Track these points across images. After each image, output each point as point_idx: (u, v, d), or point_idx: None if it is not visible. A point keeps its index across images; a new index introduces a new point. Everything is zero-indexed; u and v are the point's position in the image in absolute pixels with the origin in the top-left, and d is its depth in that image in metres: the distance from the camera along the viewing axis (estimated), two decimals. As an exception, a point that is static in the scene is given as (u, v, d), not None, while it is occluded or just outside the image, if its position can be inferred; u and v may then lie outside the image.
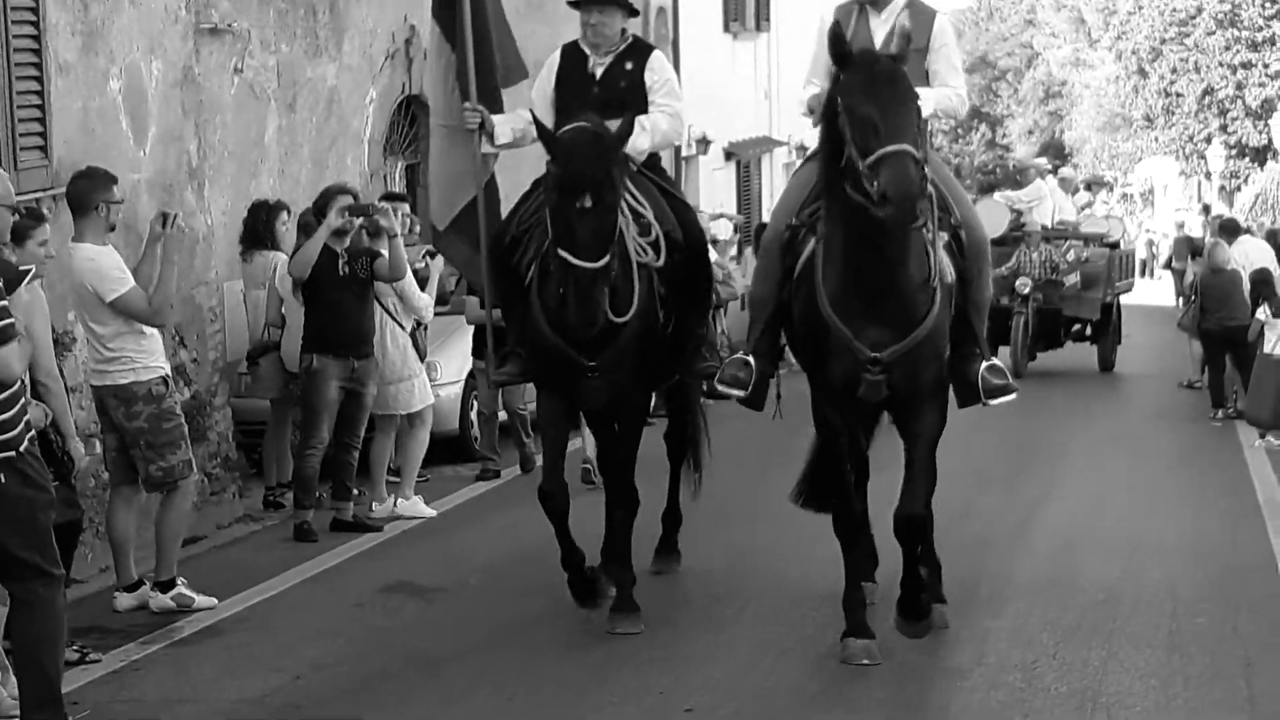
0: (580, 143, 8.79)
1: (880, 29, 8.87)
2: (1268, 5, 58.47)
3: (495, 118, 10.13)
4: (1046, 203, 22.75)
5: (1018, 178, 26.25)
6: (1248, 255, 19.44)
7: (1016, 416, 18.30)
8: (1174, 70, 60.39)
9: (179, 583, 9.88)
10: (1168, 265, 38.59)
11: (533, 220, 9.47)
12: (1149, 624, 9.76)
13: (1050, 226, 22.37)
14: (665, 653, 9.07)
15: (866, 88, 7.88)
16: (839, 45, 8.19)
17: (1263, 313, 15.85)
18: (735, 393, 9.05)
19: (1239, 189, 53.83)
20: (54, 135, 11.26)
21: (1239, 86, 58.81)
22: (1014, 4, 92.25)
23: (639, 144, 9.54)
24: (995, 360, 9.18)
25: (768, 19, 30.12)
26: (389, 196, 14.43)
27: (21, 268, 7.82)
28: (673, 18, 26.08)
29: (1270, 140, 49.04)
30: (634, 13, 10.09)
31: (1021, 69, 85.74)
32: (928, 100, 8.68)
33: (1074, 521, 12.92)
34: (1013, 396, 9.05)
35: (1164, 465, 16.05)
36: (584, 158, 8.67)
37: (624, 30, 10.03)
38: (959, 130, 76.67)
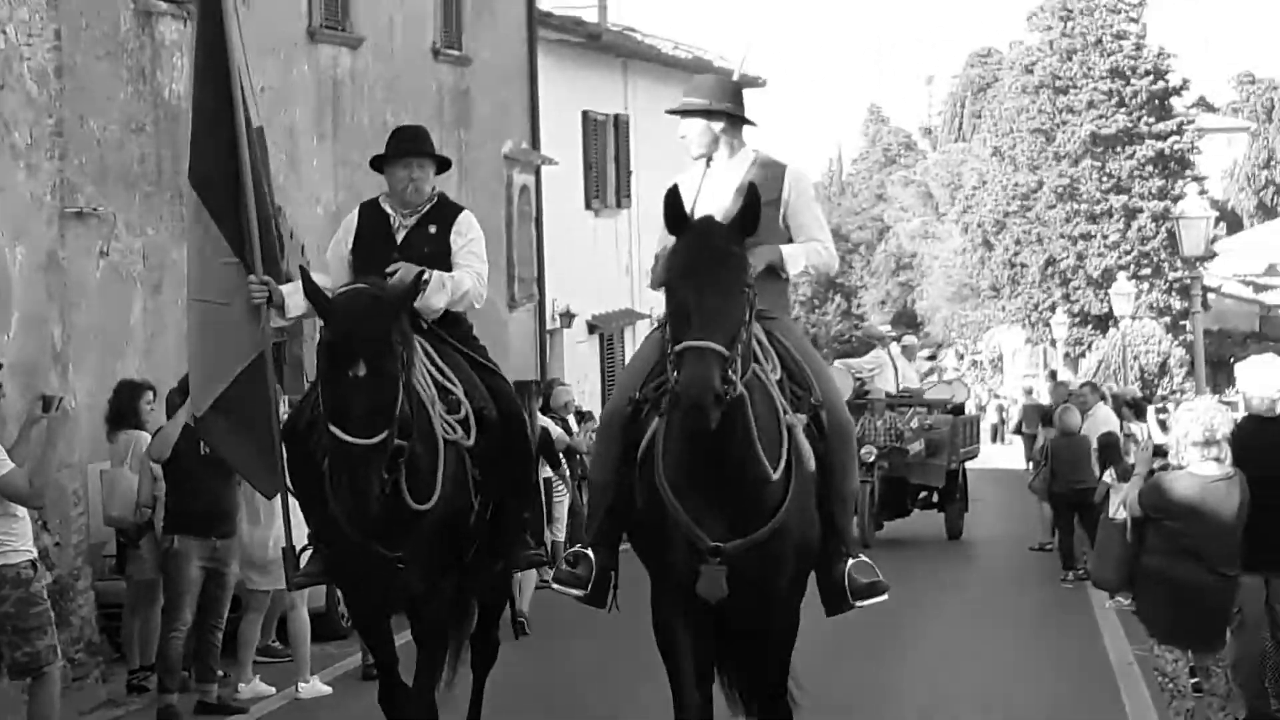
0: (356, 305, 7.59)
1: (727, 191, 7.76)
2: (1105, 180, 59.95)
3: (283, 288, 8.72)
4: (887, 370, 22.56)
5: (859, 346, 26.21)
6: (1095, 420, 19.73)
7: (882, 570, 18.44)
8: (1018, 242, 61.63)
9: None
10: (1018, 430, 39.06)
11: None
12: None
13: (894, 393, 22.13)
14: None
15: (689, 267, 6.89)
16: (675, 207, 7.18)
17: (1109, 476, 16.09)
18: (573, 592, 7.76)
19: (1083, 355, 54.76)
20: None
21: (1080, 257, 60.09)
22: (865, 179, 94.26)
23: (433, 302, 8.54)
24: (863, 557, 7.99)
25: (628, 195, 30.36)
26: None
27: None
28: (535, 195, 26.29)
29: (1110, 308, 49.93)
30: (446, 166, 9.23)
31: (873, 242, 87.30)
32: (797, 257, 7.92)
33: (930, 687, 12.94)
34: (884, 597, 7.92)
35: (1017, 628, 16.15)
36: (358, 321, 7.44)
37: (433, 188, 9.00)
38: (815, 301, 77.67)
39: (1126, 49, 61.13)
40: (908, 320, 72.41)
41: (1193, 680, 10.20)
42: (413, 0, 21.39)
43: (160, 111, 15.57)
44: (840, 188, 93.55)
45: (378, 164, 8.96)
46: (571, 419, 18.08)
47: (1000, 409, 51.35)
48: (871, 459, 20.48)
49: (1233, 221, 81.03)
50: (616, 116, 29.62)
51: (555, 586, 7.93)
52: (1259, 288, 74.74)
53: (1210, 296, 55.00)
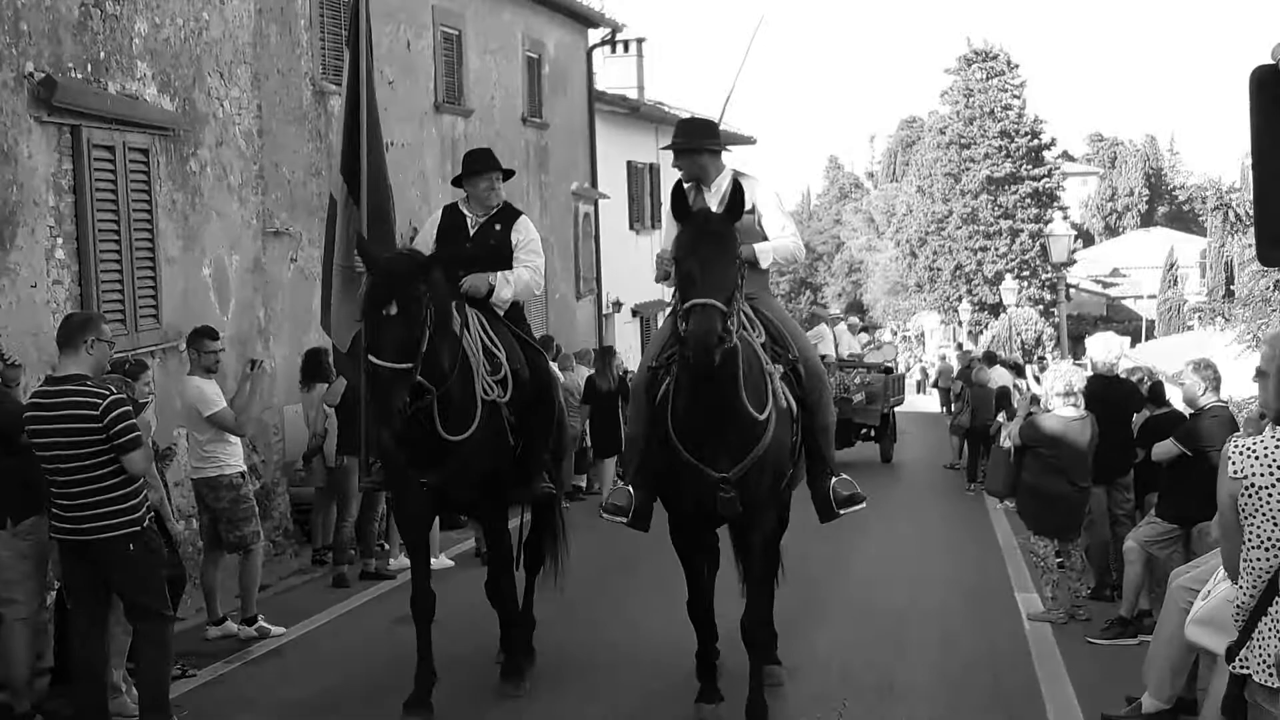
0: (395, 263, 7.19)
1: (713, 201, 7.40)
2: (996, 209, 59.93)
3: None
4: (827, 341, 21.83)
5: (807, 324, 25.59)
6: (994, 376, 19.72)
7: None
8: (935, 253, 61.48)
9: (259, 618, 9.77)
10: (934, 384, 38.99)
11: None
12: (927, 632, 9.83)
13: (838, 359, 21.78)
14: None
15: (693, 243, 6.51)
16: (680, 201, 6.76)
17: (1001, 416, 16.15)
18: (619, 519, 7.22)
19: (981, 333, 54.56)
20: (163, 306, 11.22)
21: (979, 263, 59.97)
22: (826, 208, 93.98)
23: (503, 294, 8.18)
24: (843, 475, 7.65)
25: (659, 220, 30.31)
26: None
27: (140, 400, 7.80)
28: (594, 220, 26.36)
29: (1001, 299, 49.77)
30: (510, 175, 8.63)
31: (832, 252, 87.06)
32: (767, 252, 7.46)
33: (873, 563, 12.98)
34: (862, 505, 7.59)
35: (935, 523, 16.17)
36: (394, 274, 6.99)
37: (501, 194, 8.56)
38: (791, 294, 77.48)
39: (1011, 117, 60.91)
40: (858, 307, 72.19)
41: (1057, 560, 10.26)
42: (508, 83, 21.39)
43: (331, 160, 15.54)
44: (809, 214, 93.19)
45: (458, 181, 8.59)
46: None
47: (923, 370, 51.20)
48: None
49: (1087, 238, 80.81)
50: (651, 165, 29.57)
51: (604, 515, 7.30)
52: (1106, 284, 74.56)
53: (1071, 291, 54.81)
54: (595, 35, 25.91)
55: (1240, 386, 14.17)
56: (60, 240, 9.85)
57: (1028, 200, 60.26)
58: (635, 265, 28.61)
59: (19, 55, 9.39)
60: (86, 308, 9.80)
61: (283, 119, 14.48)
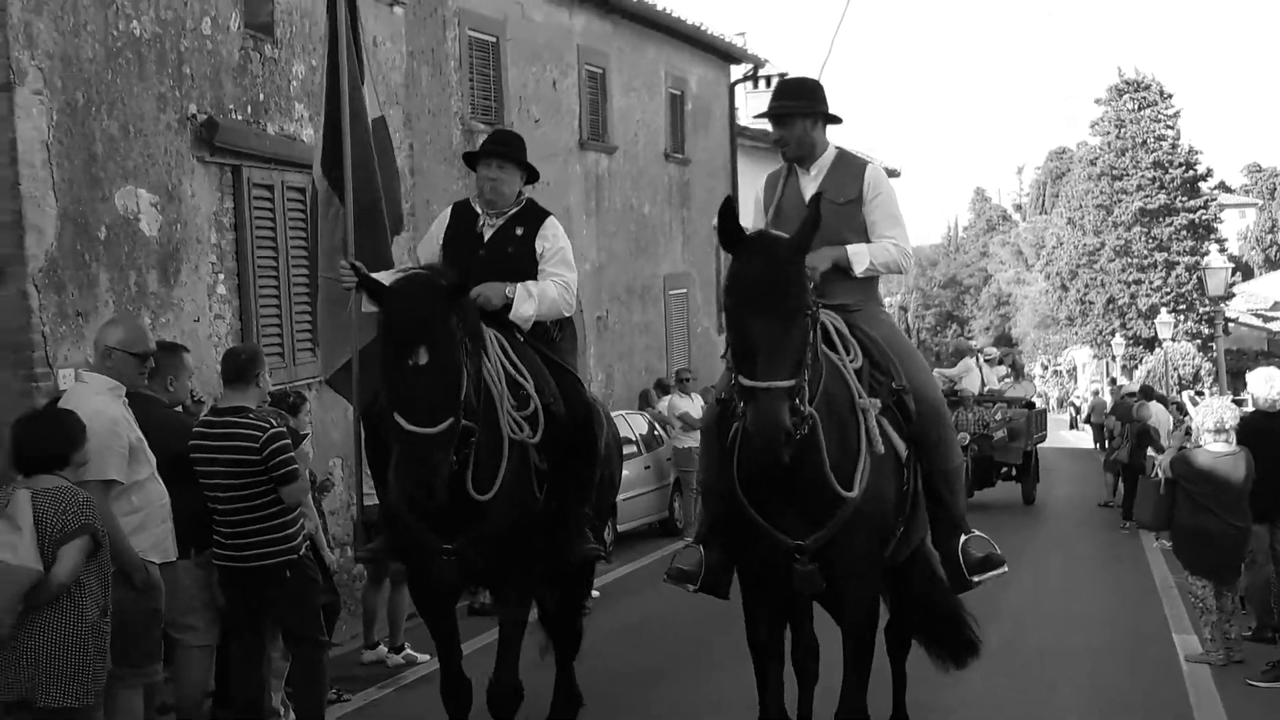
0: (413, 291, 5.58)
1: (810, 187, 6.01)
2: (1150, 241, 58.74)
3: (381, 275, 6.28)
4: (974, 374, 21.55)
5: (953, 357, 25.00)
6: (1151, 412, 19.32)
7: (977, 525, 18.19)
8: (1086, 286, 60.34)
9: (405, 645, 9.93)
10: (1087, 420, 38.19)
11: None
12: (1078, 673, 9.64)
13: (981, 393, 21.19)
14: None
15: (750, 294, 5.03)
16: (729, 222, 5.18)
17: (1150, 451, 15.89)
18: (687, 586, 5.86)
19: (1135, 368, 53.31)
20: (321, 342, 11.53)
21: (1133, 297, 58.73)
22: (973, 241, 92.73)
23: (523, 311, 6.52)
24: (976, 532, 6.15)
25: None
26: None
27: (300, 432, 8.03)
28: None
29: (1156, 333, 48.58)
30: (534, 177, 6.97)
31: (979, 285, 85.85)
32: (862, 255, 5.97)
33: (1023, 601, 12.75)
34: (1002, 570, 6.12)
35: (1087, 561, 15.83)
36: (416, 307, 5.47)
37: (520, 193, 6.86)
38: (937, 327, 76.57)
39: (1165, 147, 59.59)
40: (1005, 341, 71.03)
41: (1216, 601, 10.02)
42: (650, 120, 21.59)
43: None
44: (955, 246, 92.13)
45: (471, 161, 6.97)
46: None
47: (1074, 406, 50.14)
48: (965, 443, 19.89)
49: (1246, 271, 78.58)
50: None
51: (668, 580, 6.01)
52: (1266, 318, 72.25)
53: (1230, 325, 53.24)
54: (737, 71, 26.03)
55: None
56: (222, 276, 10.23)
57: (1183, 232, 58.81)
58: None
59: (182, 98, 9.81)
60: (247, 341, 10.13)
61: (434, 158, 14.81)
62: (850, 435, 5.47)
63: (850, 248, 5.98)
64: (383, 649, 9.91)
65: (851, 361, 5.65)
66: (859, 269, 6.00)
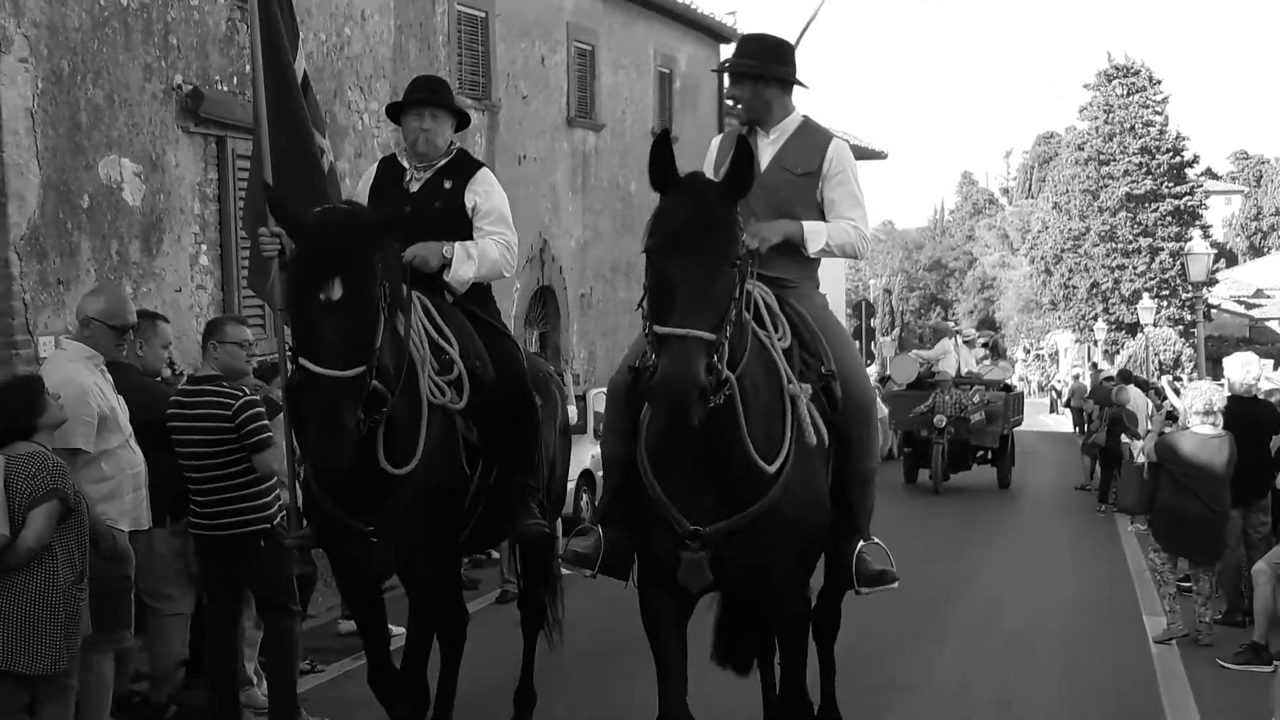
0: (331, 222, 4.89)
1: (768, 151, 5.49)
2: (1135, 227, 58.81)
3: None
4: (951, 355, 21.42)
5: (933, 339, 24.92)
6: (1129, 396, 19.34)
7: (952, 508, 18.28)
8: (1070, 270, 60.44)
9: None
10: (1067, 404, 38.32)
11: None
12: (1050, 653, 9.67)
13: (959, 375, 21.03)
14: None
15: (674, 234, 4.45)
16: (662, 158, 4.61)
17: (1125, 435, 15.95)
18: (584, 571, 5.14)
19: (1117, 352, 53.44)
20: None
21: (1116, 282, 58.83)
22: (959, 224, 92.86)
23: (462, 273, 5.91)
24: (876, 541, 5.43)
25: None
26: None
27: (279, 402, 7.99)
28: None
29: (1139, 319, 48.69)
30: (465, 122, 6.27)
31: (964, 269, 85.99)
32: (819, 235, 5.42)
33: (997, 582, 12.82)
34: (893, 586, 5.37)
35: (1062, 543, 15.87)
36: (334, 238, 4.78)
37: (452, 143, 6.17)
38: (921, 310, 76.67)
39: (1152, 133, 59.60)
40: (989, 325, 71.23)
41: (1184, 584, 10.08)
42: (638, 98, 21.51)
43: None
44: (941, 230, 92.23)
45: (394, 114, 6.22)
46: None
47: (1055, 390, 50.31)
48: (942, 425, 19.81)
49: (1230, 258, 78.75)
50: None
51: (564, 568, 5.37)
52: (1249, 305, 72.47)
53: (1211, 311, 53.42)
54: (727, 50, 25.89)
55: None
56: (205, 247, 10.21)
57: (1168, 218, 58.88)
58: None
59: (168, 68, 9.77)
60: (228, 312, 10.10)
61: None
62: (775, 422, 4.85)
63: (807, 225, 5.44)
64: (357, 622, 9.90)
65: (780, 340, 5.05)
66: (813, 249, 5.46)
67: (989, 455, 20.91)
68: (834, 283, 32.19)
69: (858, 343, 34.38)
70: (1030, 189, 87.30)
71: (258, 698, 7.73)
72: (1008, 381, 22.54)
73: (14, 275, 8.43)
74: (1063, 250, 60.89)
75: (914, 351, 24.27)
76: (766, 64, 5.54)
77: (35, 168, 8.61)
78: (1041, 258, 63.30)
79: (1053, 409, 45.95)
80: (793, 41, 5.89)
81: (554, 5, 18.15)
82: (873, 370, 24.83)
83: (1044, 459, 25.52)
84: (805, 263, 5.55)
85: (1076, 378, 39.86)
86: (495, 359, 5.92)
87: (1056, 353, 67.67)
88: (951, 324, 35.42)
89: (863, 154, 33.28)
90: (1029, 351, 69.27)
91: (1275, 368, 14.81)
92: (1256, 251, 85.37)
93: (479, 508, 5.82)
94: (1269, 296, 73.62)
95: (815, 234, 5.44)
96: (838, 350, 5.40)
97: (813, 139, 5.55)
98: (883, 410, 19.90)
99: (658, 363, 4.33)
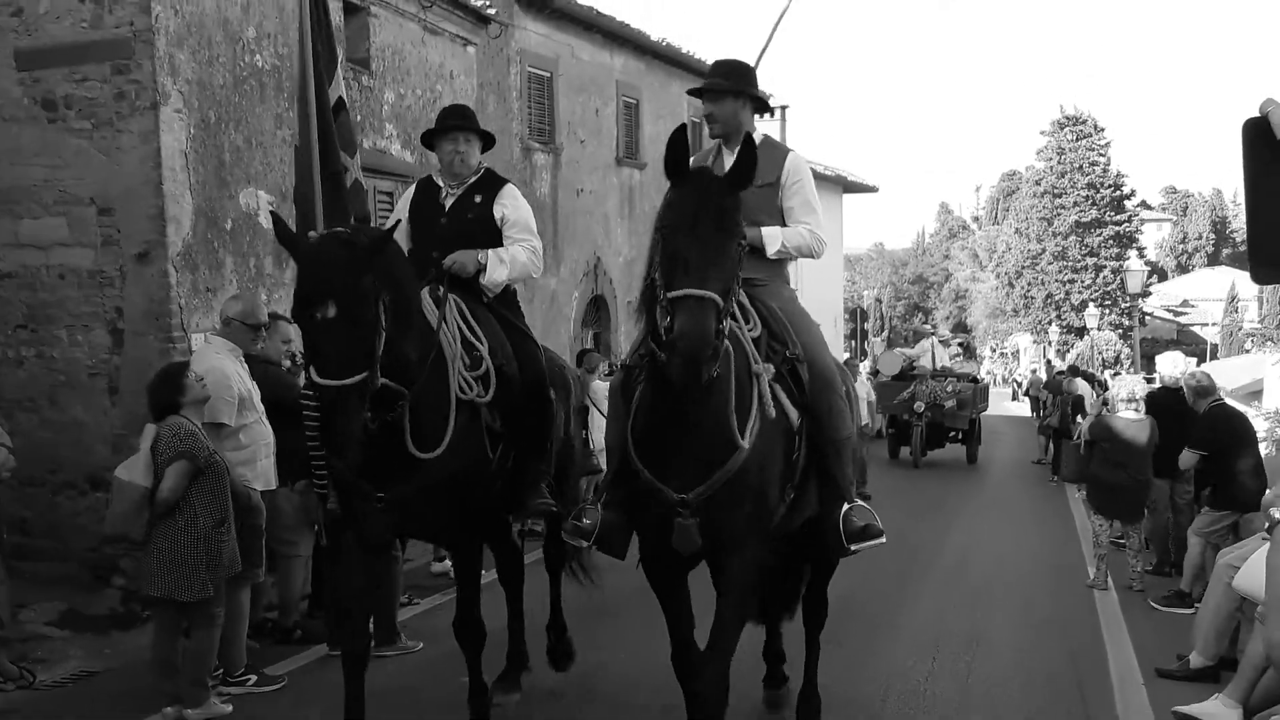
0: (324, 249, 4.44)
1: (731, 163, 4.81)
2: (1083, 248, 58.35)
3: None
4: (929, 354, 21.23)
5: (914, 340, 24.95)
6: (1077, 387, 19.19)
7: (929, 480, 18.15)
8: (1029, 284, 60.02)
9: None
10: (1026, 393, 37.95)
11: None
12: (1010, 597, 9.60)
13: (935, 369, 20.96)
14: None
15: (689, 214, 4.14)
16: (679, 153, 4.19)
17: (1079, 418, 15.83)
18: (580, 543, 4.77)
19: (1068, 351, 52.96)
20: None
21: (1067, 294, 58.37)
22: (938, 246, 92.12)
23: (496, 276, 5.68)
24: (860, 503, 5.04)
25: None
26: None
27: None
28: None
29: (1085, 324, 48.24)
30: (490, 143, 5.98)
31: (942, 282, 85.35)
32: (776, 237, 5.10)
33: (966, 539, 12.73)
34: (880, 541, 4.98)
35: (1022, 508, 15.75)
36: (326, 265, 4.37)
37: (480, 164, 5.96)
38: (906, 315, 76.16)
39: (1097, 171, 59.10)
40: (961, 328, 70.64)
41: (1119, 540, 10.01)
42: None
43: (534, 205, 15.91)
44: (923, 250, 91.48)
45: (428, 141, 5.95)
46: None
47: (1016, 383, 49.84)
48: (921, 410, 19.76)
49: (1161, 274, 77.93)
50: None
51: (566, 539, 4.97)
52: (1176, 313, 71.65)
53: (1145, 318, 52.86)
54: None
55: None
56: (324, 262, 10.24)
57: (1110, 241, 58.43)
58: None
59: (294, 118, 9.81)
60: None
61: (498, 170, 14.72)
62: (745, 396, 4.47)
63: (764, 229, 5.08)
64: (448, 563, 9.93)
65: (751, 330, 4.70)
66: (771, 250, 5.10)
67: (960, 435, 20.86)
68: (833, 292, 31.95)
69: (853, 342, 34.26)
70: (996, 217, 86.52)
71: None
72: (976, 375, 22.51)
73: (171, 284, 8.52)
74: (1023, 267, 60.48)
75: (899, 349, 24.26)
76: (740, 83, 5.18)
77: (189, 198, 8.70)
78: (1005, 273, 62.86)
79: (1014, 398, 45.43)
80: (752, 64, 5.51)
81: (606, 66, 18.14)
82: (865, 365, 24.71)
83: (1006, 439, 25.29)
84: (773, 265, 5.19)
85: (1034, 372, 39.37)
86: (520, 359, 5.65)
87: (1017, 351, 67.04)
88: (930, 327, 35.24)
89: (857, 187, 32.98)
90: (995, 350, 68.63)
91: (1198, 365, 14.68)
92: (1183, 269, 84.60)
93: (497, 484, 5.49)
94: (1193, 306, 72.93)
95: (772, 237, 5.11)
96: (802, 334, 5.01)
97: (772, 153, 5.16)
98: (871, 395, 19.89)
99: (675, 321, 3.94)
